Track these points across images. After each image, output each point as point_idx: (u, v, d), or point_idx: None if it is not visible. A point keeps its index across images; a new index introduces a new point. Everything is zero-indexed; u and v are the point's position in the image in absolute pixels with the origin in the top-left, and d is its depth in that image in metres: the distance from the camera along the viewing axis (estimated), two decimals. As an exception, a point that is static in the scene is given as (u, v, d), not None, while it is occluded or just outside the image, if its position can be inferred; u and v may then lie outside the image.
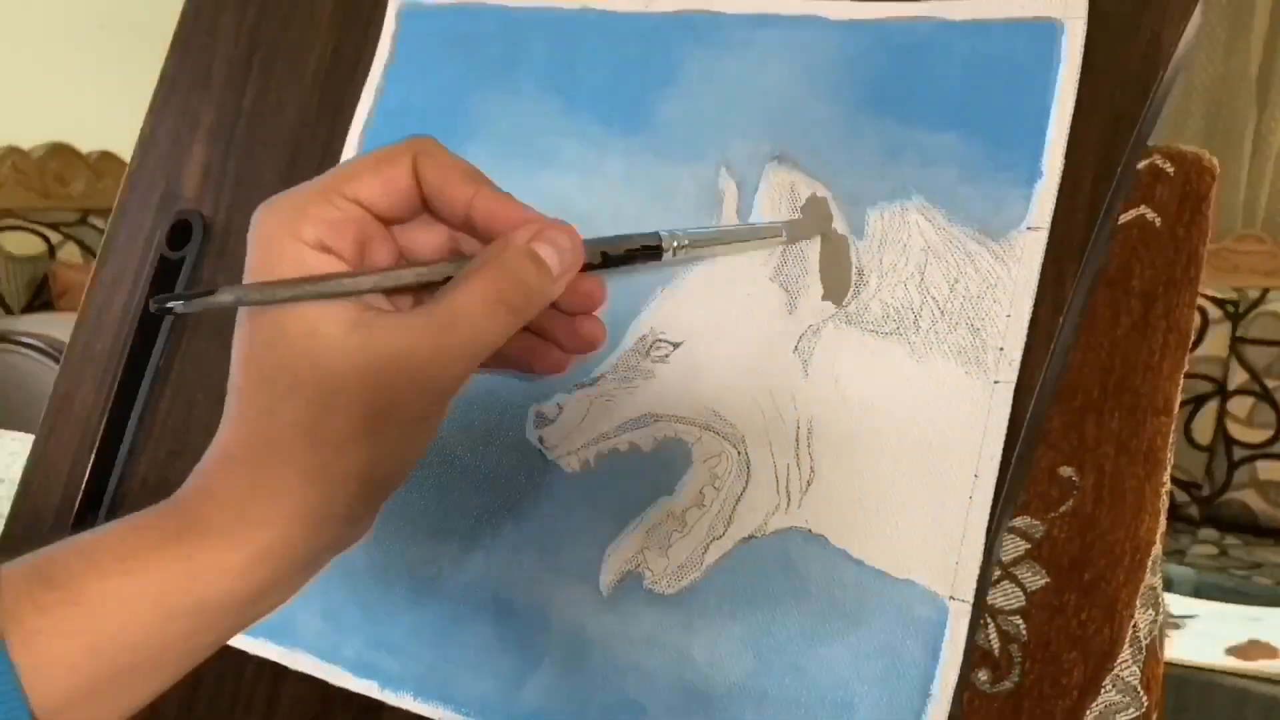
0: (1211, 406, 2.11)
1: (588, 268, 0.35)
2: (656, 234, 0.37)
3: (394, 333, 0.31)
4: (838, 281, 0.42)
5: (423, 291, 0.34)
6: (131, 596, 0.30)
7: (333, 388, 0.31)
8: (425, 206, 0.35)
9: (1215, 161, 0.43)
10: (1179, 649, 0.94)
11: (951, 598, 0.38)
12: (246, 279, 0.32)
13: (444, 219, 0.35)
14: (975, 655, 0.40)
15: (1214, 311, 2.12)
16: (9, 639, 0.28)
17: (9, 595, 0.29)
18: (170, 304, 0.31)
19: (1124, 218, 0.42)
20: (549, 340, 0.37)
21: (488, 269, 0.33)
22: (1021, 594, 0.41)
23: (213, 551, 0.31)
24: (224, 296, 0.31)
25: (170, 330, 0.53)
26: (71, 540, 0.31)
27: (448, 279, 0.33)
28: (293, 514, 0.32)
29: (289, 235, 0.32)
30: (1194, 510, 2.13)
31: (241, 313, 0.33)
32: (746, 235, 0.41)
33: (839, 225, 0.42)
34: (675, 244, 0.37)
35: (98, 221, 2.40)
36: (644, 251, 0.37)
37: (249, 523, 0.31)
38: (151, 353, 0.53)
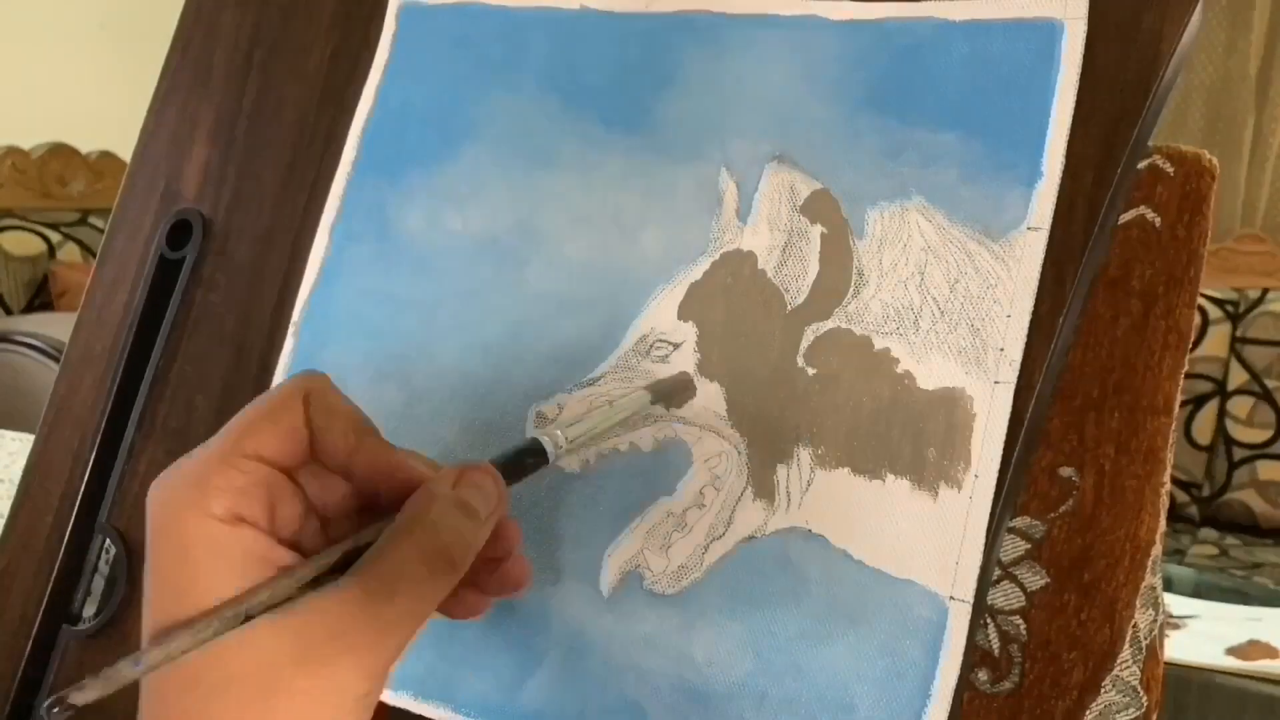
0: (1211, 406, 2.11)
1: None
2: (536, 440, 0.36)
3: (325, 614, 0.29)
4: (838, 281, 0.42)
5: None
6: None
7: (266, 684, 0.28)
8: (311, 453, 0.32)
9: (1215, 162, 0.43)
10: (1179, 649, 0.94)
11: (951, 598, 0.38)
12: (152, 574, 0.30)
13: (328, 467, 0.33)
14: (975, 655, 0.40)
15: (1214, 311, 2.12)
16: None
17: None
18: (70, 708, 0.27)
19: (1124, 218, 0.42)
20: (467, 586, 0.35)
21: (419, 527, 0.31)
22: (1021, 594, 0.41)
23: None
24: (127, 670, 0.27)
25: (170, 330, 0.53)
26: None
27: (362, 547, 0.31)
28: None
29: (196, 513, 0.30)
30: (1194, 510, 2.13)
31: (146, 614, 0.30)
32: (619, 412, 0.40)
33: (826, 211, 0.42)
34: (557, 446, 0.36)
35: (98, 221, 2.40)
36: (533, 462, 0.36)
37: None
38: (151, 353, 0.53)
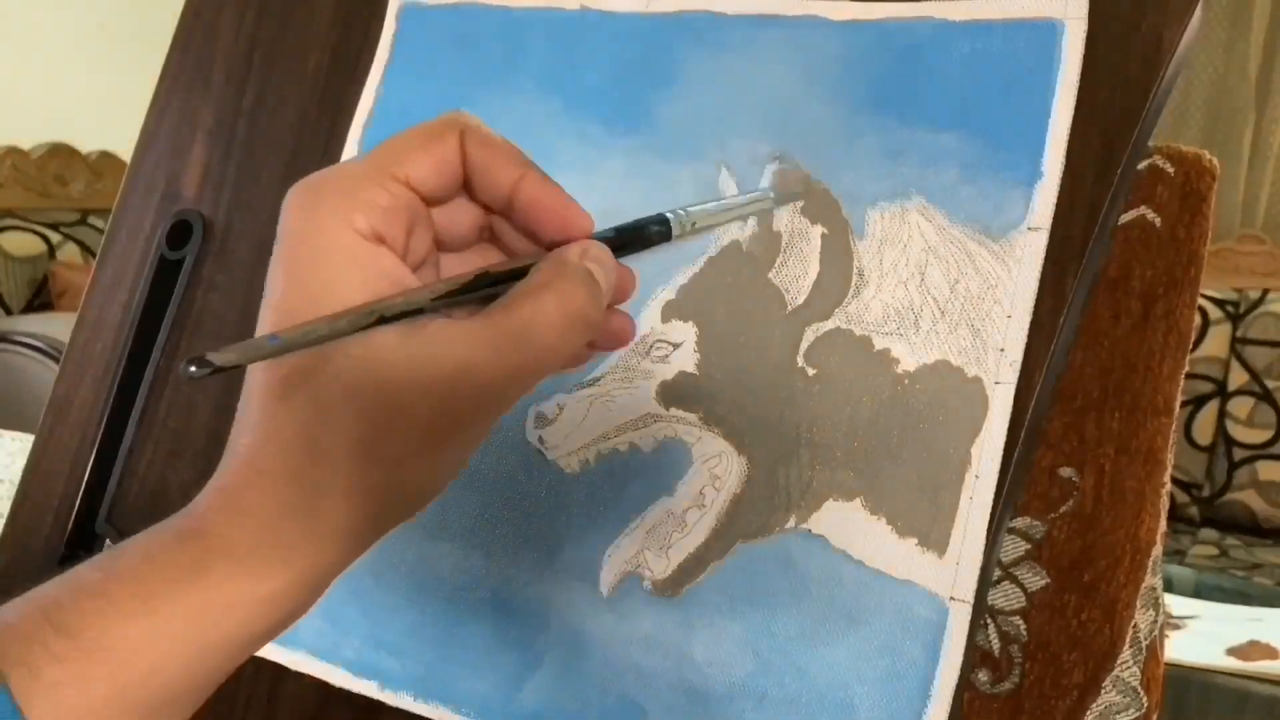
0: (1212, 407, 2.11)
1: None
2: (664, 216, 0.37)
3: (458, 345, 0.29)
4: (838, 281, 0.42)
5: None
6: (158, 639, 0.28)
7: (391, 402, 0.28)
8: (464, 186, 0.33)
9: (1215, 162, 0.43)
10: (1179, 649, 0.94)
11: (952, 598, 0.38)
12: (282, 272, 0.29)
13: (482, 201, 0.33)
14: (975, 656, 0.40)
15: (1214, 312, 2.12)
16: (26, 695, 0.26)
17: (16, 645, 0.26)
18: (209, 365, 0.26)
19: (1124, 218, 0.42)
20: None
21: (561, 283, 0.30)
22: (1022, 594, 0.41)
23: (243, 583, 0.28)
24: (265, 345, 0.27)
25: (170, 330, 0.53)
26: (78, 577, 0.28)
27: (500, 285, 0.31)
28: (334, 534, 0.29)
29: (341, 224, 0.29)
30: (1194, 511, 2.13)
31: (273, 281, 0.29)
32: (741, 205, 0.41)
33: (827, 211, 0.42)
34: (682, 225, 0.37)
35: (97, 221, 2.40)
36: (657, 234, 0.36)
37: (284, 545, 0.29)
38: (151, 353, 0.53)
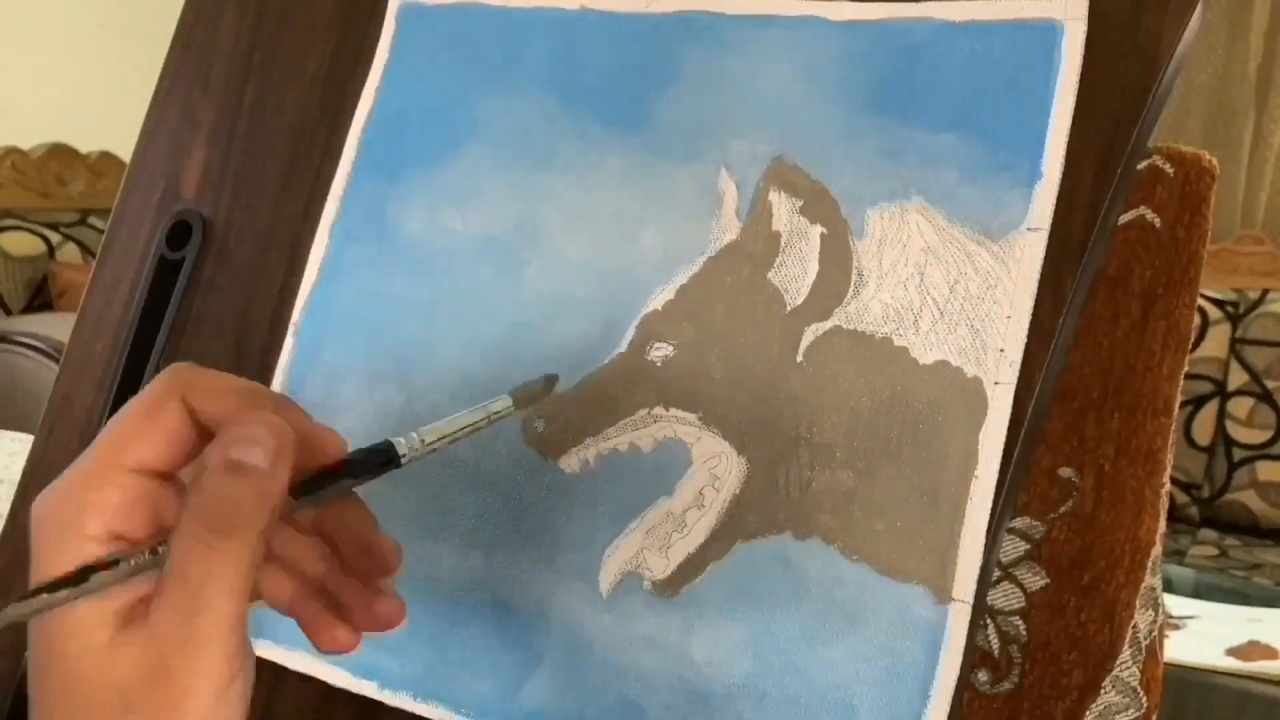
0: (1211, 407, 2.11)
1: (328, 481, 0.32)
2: (385, 442, 0.35)
3: (148, 647, 0.28)
4: (838, 281, 0.42)
5: None
6: None
7: (122, 698, 0.28)
8: (206, 441, 0.31)
9: (1215, 162, 0.43)
10: (1179, 650, 0.94)
11: (951, 598, 0.38)
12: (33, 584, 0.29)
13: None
14: (975, 656, 0.40)
15: (1214, 312, 2.12)
16: None
17: None
18: None
19: (1124, 218, 0.42)
20: (337, 615, 0.34)
21: (192, 498, 0.29)
22: (1021, 595, 0.41)
23: None
24: None
25: (170, 331, 0.53)
26: None
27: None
28: None
29: (72, 533, 0.29)
30: (1194, 511, 2.13)
31: (32, 629, 0.29)
32: (479, 419, 0.38)
33: (826, 211, 0.42)
34: (411, 449, 0.35)
35: (97, 222, 2.40)
36: (383, 462, 0.34)
37: None
38: (151, 353, 0.53)
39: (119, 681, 0.28)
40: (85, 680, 0.28)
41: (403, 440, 0.34)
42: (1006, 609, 0.41)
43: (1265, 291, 2.14)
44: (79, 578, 0.28)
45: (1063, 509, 0.41)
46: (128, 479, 0.29)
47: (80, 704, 0.28)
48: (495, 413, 0.38)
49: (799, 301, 0.42)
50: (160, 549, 0.29)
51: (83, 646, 0.28)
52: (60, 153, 2.49)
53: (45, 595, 0.28)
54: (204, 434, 0.30)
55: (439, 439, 0.35)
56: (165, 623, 0.28)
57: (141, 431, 0.30)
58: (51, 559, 0.29)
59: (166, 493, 0.30)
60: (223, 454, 0.29)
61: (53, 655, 0.29)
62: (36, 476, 0.54)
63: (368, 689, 0.45)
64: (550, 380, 0.41)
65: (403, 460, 0.34)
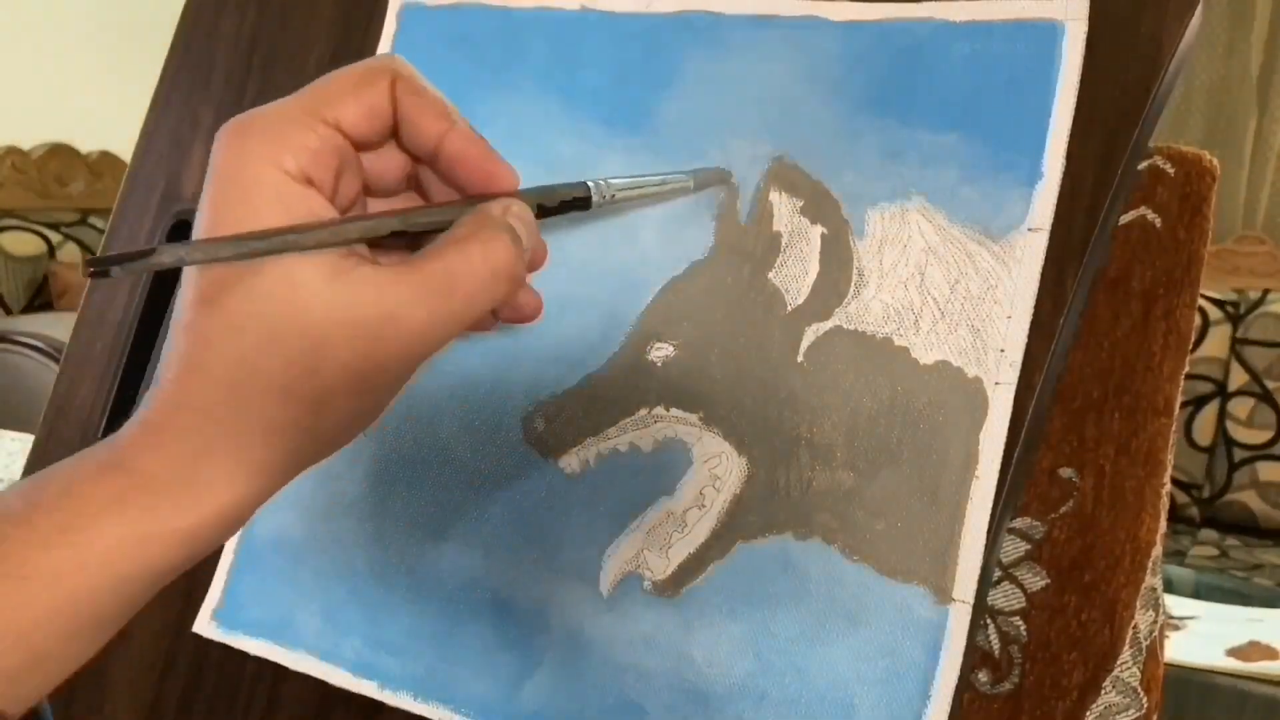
0: (1212, 407, 2.11)
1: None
2: (585, 184, 0.38)
3: (384, 291, 0.29)
4: (838, 281, 0.42)
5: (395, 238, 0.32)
6: (79, 569, 0.28)
7: (316, 345, 0.28)
8: (393, 134, 0.33)
9: (1216, 162, 0.43)
10: (1179, 650, 0.94)
11: (952, 599, 0.38)
12: (208, 211, 0.29)
13: (408, 149, 0.33)
14: (975, 656, 0.40)
15: (1214, 312, 2.12)
16: None
17: None
18: (110, 267, 0.27)
19: (1124, 219, 0.42)
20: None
21: (485, 236, 0.31)
22: (1021, 595, 0.41)
23: (163, 518, 0.29)
24: (164, 257, 0.28)
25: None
26: (3, 503, 0.29)
27: (423, 233, 0.32)
28: (251, 471, 0.29)
29: (269, 164, 0.29)
30: (1194, 511, 2.13)
31: (202, 219, 0.30)
32: (660, 185, 0.43)
33: (826, 211, 0.42)
34: (602, 194, 0.38)
35: (97, 222, 2.40)
36: (575, 203, 0.38)
37: (202, 481, 0.29)
38: (151, 353, 0.53)
39: (322, 316, 0.28)
40: (270, 312, 0.28)
41: (592, 184, 0.38)
42: (1007, 609, 0.41)
43: (1266, 292, 2.14)
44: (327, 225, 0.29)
45: (1063, 509, 0.41)
46: (326, 130, 0.30)
47: (258, 339, 0.28)
48: (673, 186, 0.43)
49: (800, 301, 0.42)
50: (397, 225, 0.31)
51: (295, 281, 0.28)
52: (60, 153, 2.49)
53: (256, 240, 0.28)
54: (397, 125, 0.32)
55: (625, 190, 0.39)
56: (410, 297, 0.29)
57: (349, 95, 0.31)
58: (242, 189, 0.29)
59: (351, 155, 0.31)
60: (503, 213, 0.32)
61: (247, 281, 0.28)
62: (36, 476, 0.54)
63: (368, 689, 0.45)
64: (724, 173, 0.44)
65: (593, 204, 0.37)
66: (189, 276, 0.30)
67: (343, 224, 0.30)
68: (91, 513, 0.28)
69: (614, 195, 0.38)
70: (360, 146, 0.32)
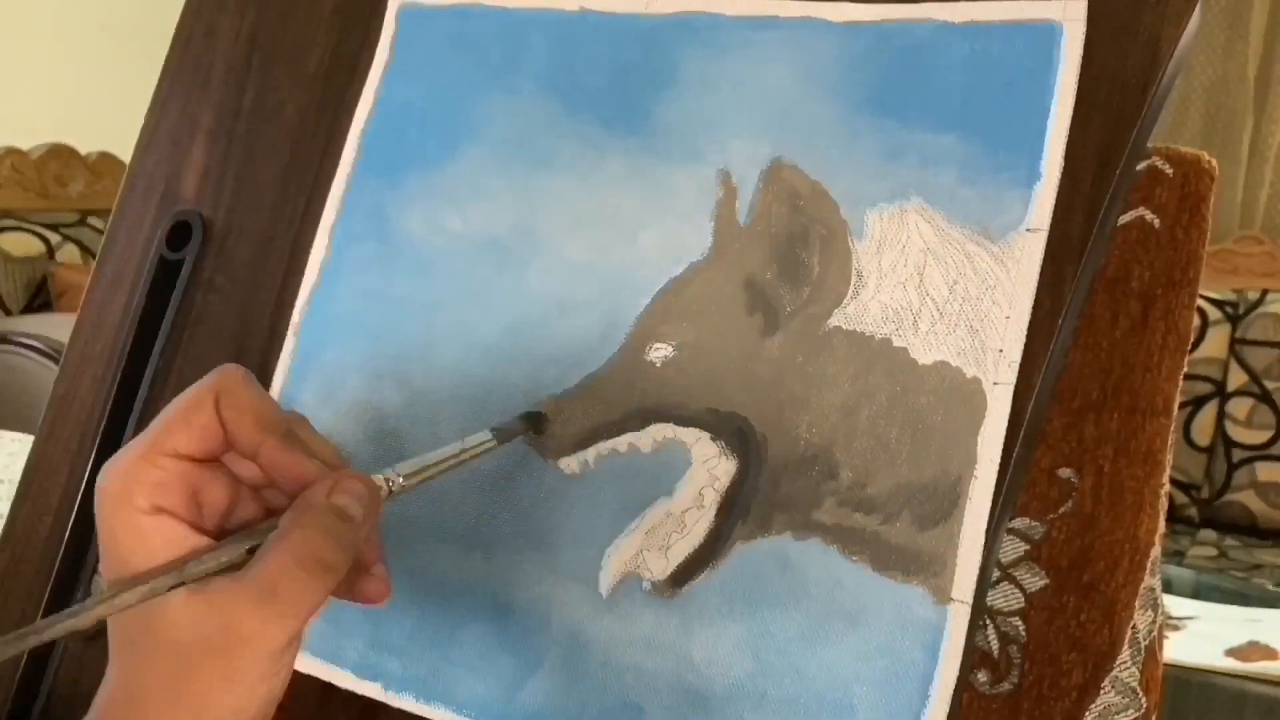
0: (1211, 408, 2.11)
1: None
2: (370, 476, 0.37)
3: (223, 605, 0.33)
4: (837, 282, 0.42)
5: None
6: None
7: (180, 656, 0.33)
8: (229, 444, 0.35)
9: (1214, 163, 0.43)
10: (1178, 650, 0.94)
11: (951, 599, 0.38)
12: (101, 552, 0.34)
13: (244, 457, 0.36)
14: (974, 656, 0.40)
15: (1213, 313, 2.12)
16: None
17: None
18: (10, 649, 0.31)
19: (1123, 219, 0.42)
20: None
21: (299, 531, 0.33)
22: (1021, 595, 0.41)
23: None
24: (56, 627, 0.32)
25: (170, 331, 0.53)
26: None
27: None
28: None
29: (124, 505, 0.34)
30: (1193, 512, 2.13)
31: (102, 562, 0.34)
32: (460, 455, 0.40)
33: (825, 212, 0.42)
34: (390, 484, 0.37)
35: (97, 222, 2.40)
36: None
37: None
38: (151, 353, 0.53)
39: (183, 634, 0.33)
40: (152, 631, 0.33)
41: (380, 476, 0.37)
42: (1006, 609, 0.41)
43: (1265, 292, 2.14)
44: (175, 567, 0.33)
45: (1062, 509, 0.41)
46: (166, 461, 0.34)
47: (145, 650, 0.33)
48: (472, 448, 0.41)
49: (798, 302, 0.42)
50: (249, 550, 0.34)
51: (163, 604, 0.33)
52: (60, 153, 2.49)
53: (147, 586, 0.32)
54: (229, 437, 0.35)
55: (416, 475, 0.38)
56: (241, 609, 0.33)
57: (180, 424, 0.34)
58: (111, 526, 0.34)
59: (203, 472, 0.35)
60: (331, 500, 0.34)
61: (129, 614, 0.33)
62: (36, 476, 0.54)
63: (371, 690, 0.45)
64: (533, 418, 0.43)
65: (385, 497, 0.37)
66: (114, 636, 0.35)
67: (196, 559, 0.33)
68: None
69: (403, 478, 0.38)
70: (214, 458, 0.35)
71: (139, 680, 0.34)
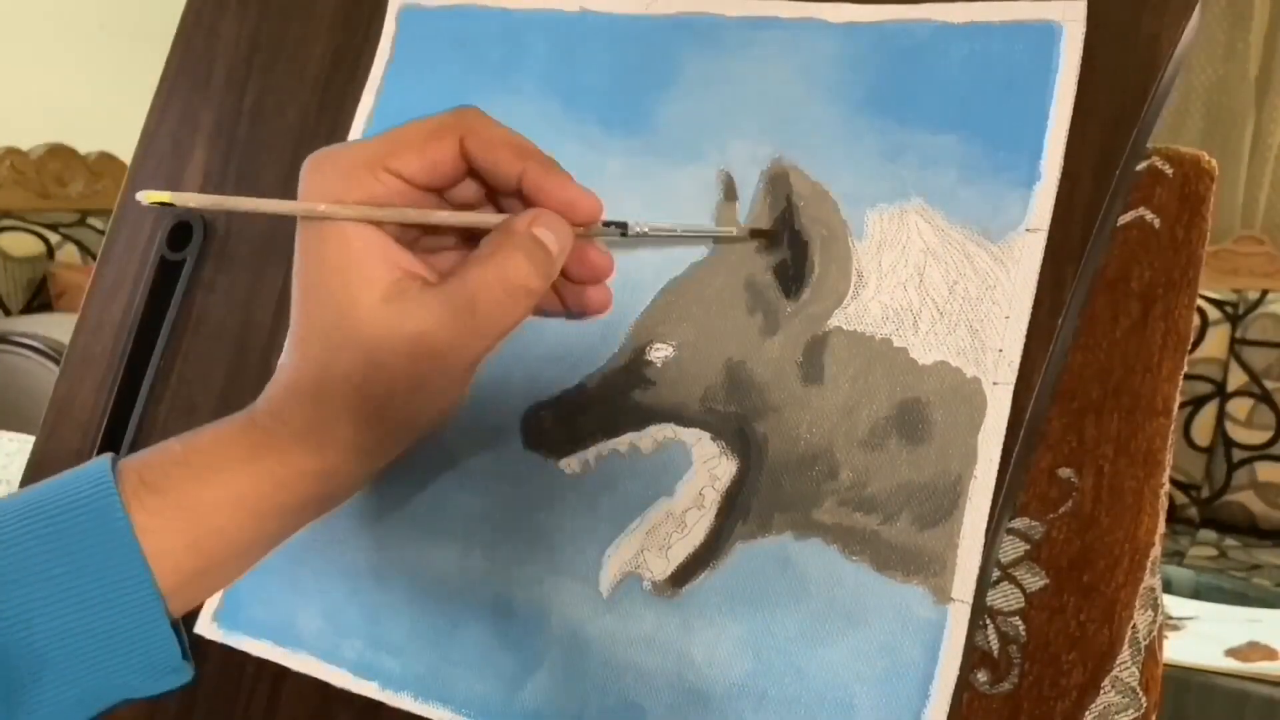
0: (1211, 408, 2.11)
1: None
2: (623, 220, 0.40)
3: (419, 313, 0.34)
4: (837, 282, 0.42)
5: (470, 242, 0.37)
6: (228, 503, 0.35)
7: (372, 355, 0.34)
8: (473, 177, 0.37)
9: (1214, 163, 0.43)
10: (1178, 650, 0.95)
11: (951, 599, 0.38)
12: (297, 243, 0.36)
13: (494, 189, 0.37)
14: (974, 656, 0.40)
15: (1213, 313, 2.12)
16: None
17: (120, 498, 0.34)
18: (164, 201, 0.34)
19: (1123, 219, 0.42)
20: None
21: (501, 253, 0.35)
22: (1021, 595, 0.41)
23: (292, 466, 0.36)
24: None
25: (170, 332, 0.53)
26: (164, 449, 0.36)
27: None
28: (346, 446, 0.36)
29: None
30: (1193, 512, 2.13)
31: (297, 259, 0.36)
32: (703, 232, 0.43)
33: (826, 212, 0.42)
34: (637, 226, 0.40)
35: (97, 222, 2.40)
36: (613, 226, 0.40)
37: (314, 446, 0.36)
38: (151, 354, 0.53)
39: (377, 332, 0.34)
40: (346, 325, 0.34)
41: (633, 220, 0.40)
42: (1006, 609, 0.41)
43: (1265, 292, 2.14)
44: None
45: (1062, 509, 0.41)
46: (388, 177, 0.35)
47: (336, 343, 0.35)
48: (715, 231, 0.43)
49: (799, 303, 0.42)
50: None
51: (358, 302, 0.34)
52: (60, 153, 2.49)
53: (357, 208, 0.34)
54: (465, 172, 0.37)
55: (659, 232, 0.41)
56: (439, 319, 0.34)
57: (414, 150, 0.35)
58: (312, 221, 0.35)
59: (416, 196, 0.36)
60: (528, 228, 0.35)
61: (327, 297, 0.35)
62: (37, 476, 0.54)
63: (369, 690, 0.45)
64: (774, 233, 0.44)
65: (631, 234, 0.40)
66: (294, 284, 0.36)
67: (373, 209, 0.35)
68: (236, 458, 0.36)
69: (650, 229, 0.41)
70: (430, 189, 0.36)
71: (328, 369, 0.35)
